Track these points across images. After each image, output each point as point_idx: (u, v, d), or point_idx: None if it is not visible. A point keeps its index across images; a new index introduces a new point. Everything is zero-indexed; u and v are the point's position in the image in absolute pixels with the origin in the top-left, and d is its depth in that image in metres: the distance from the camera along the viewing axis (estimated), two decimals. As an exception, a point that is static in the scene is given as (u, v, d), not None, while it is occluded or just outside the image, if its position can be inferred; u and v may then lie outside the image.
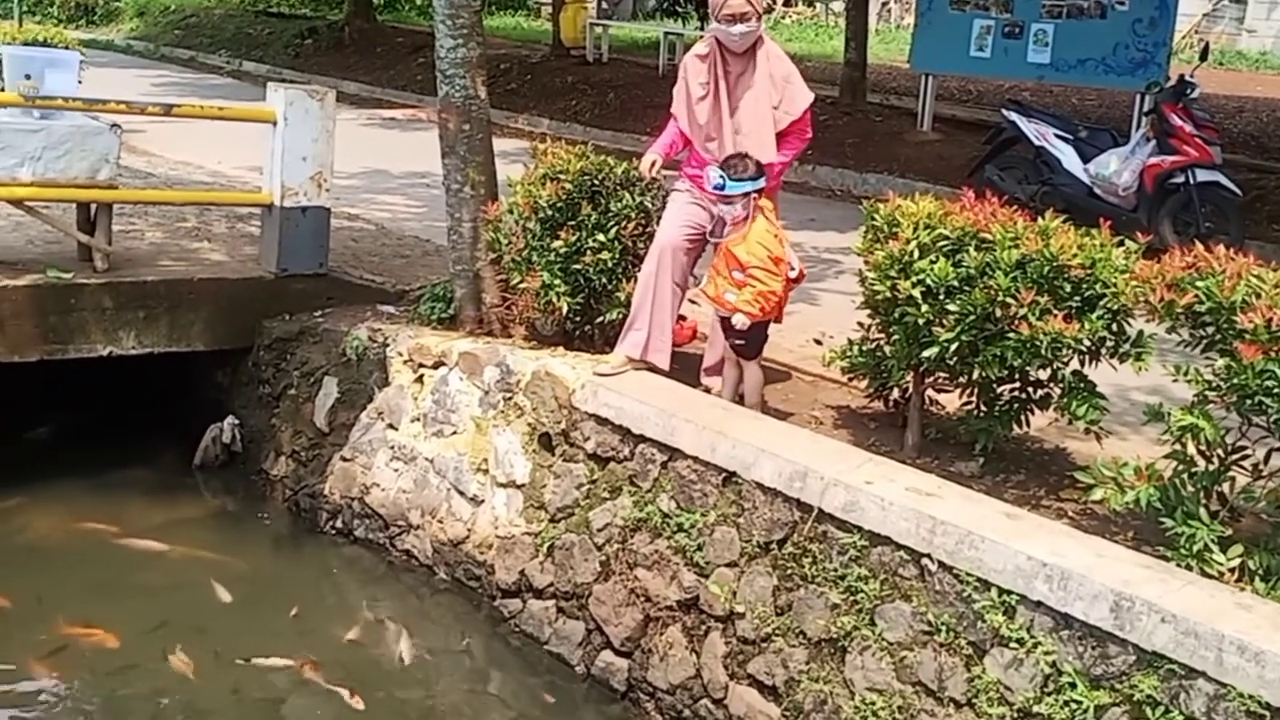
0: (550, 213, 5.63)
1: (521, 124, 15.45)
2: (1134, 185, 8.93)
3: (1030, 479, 4.75)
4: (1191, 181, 8.73)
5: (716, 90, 5.23)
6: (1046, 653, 3.73)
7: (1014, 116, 9.73)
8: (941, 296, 4.46)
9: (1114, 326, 4.39)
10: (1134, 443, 4.93)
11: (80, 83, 9.78)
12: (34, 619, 5.28)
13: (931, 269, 4.46)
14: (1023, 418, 4.79)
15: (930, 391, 5.06)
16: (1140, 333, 4.42)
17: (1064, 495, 4.58)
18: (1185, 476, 3.99)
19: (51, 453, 6.83)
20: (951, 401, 5.12)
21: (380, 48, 20.46)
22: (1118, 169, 8.99)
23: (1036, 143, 9.49)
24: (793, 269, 5.06)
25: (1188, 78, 9.04)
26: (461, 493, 5.70)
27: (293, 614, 5.47)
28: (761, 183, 4.97)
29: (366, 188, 10.50)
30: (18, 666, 4.97)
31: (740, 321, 4.97)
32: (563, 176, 5.64)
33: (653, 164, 5.46)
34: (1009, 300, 4.28)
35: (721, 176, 4.92)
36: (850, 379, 5.35)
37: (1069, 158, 9.32)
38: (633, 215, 5.61)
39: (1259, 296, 3.68)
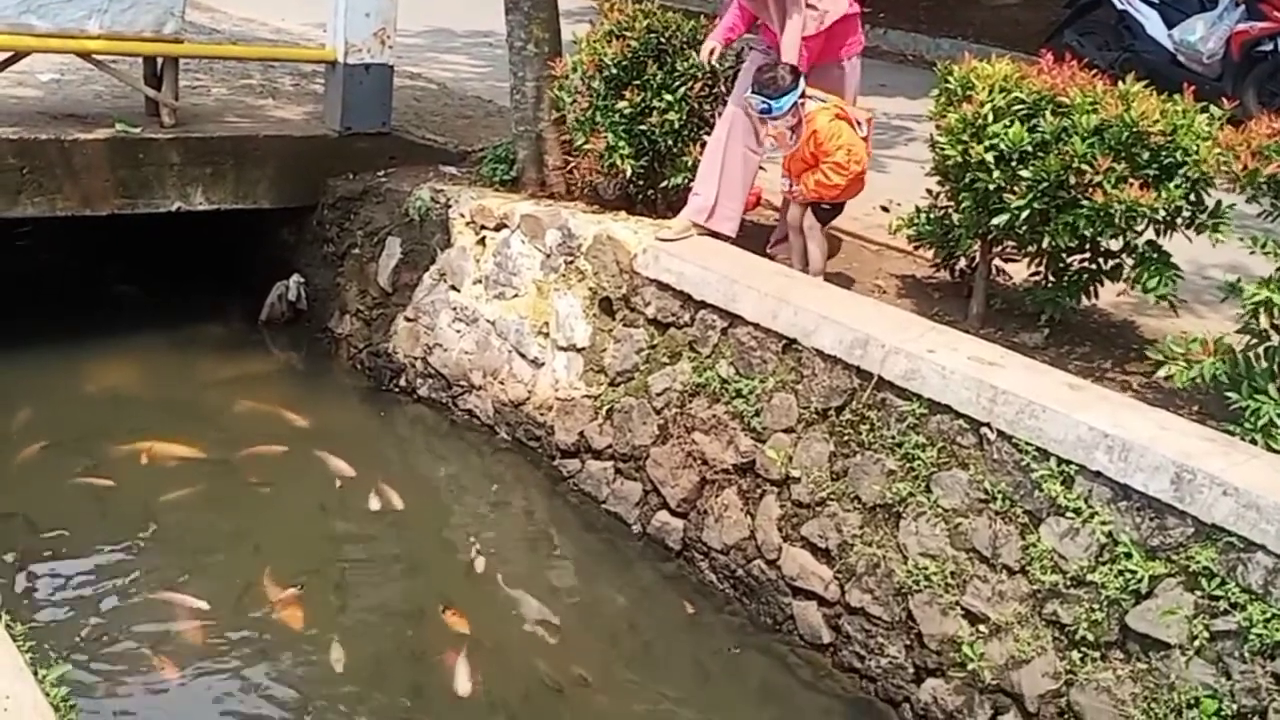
0: (615, 72, 5.53)
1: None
2: (1220, 53, 8.57)
3: (1095, 351, 4.69)
4: (1280, 49, 8.37)
5: None
6: (1103, 523, 3.72)
7: (1097, -22, 9.34)
8: (1014, 162, 4.36)
9: (1192, 196, 4.27)
10: (1209, 320, 4.83)
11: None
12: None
13: (1005, 133, 4.34)
14: (1092, 289, 4.70)
15: (997, 261, 4.99)
16: (1219, 203, 4.29)
17: (1130, 369, 4.53)
18: (1259, 352, 3.92)
19: (126, 307, 6.97)
20: (1019, 272, 5.04)
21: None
22: (1204, 35, 8.62)
23: (1119, 6, 9.12)
24: (860, 125, 4.98)
25: (1284, -62, 8.59)
26: (522, 355, 5.75)
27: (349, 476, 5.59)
28: (802, 85, 4.88)
29: (429, 46, 10.37)
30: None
31: (799, 194, 4.97)
32: (629, 34, 5.52)
33: (712, 51, 5.34)
34: (1085, 167, 4.17)
35: (764, 102, 4.85)
36: (916, 248, 5.27)
37: (1153, 23, 8.95)
38: (700, 76, 5.49)
39: (1346, 166, 3.55)
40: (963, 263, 5.13)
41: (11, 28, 5.90)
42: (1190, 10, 8.97)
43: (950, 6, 12.82)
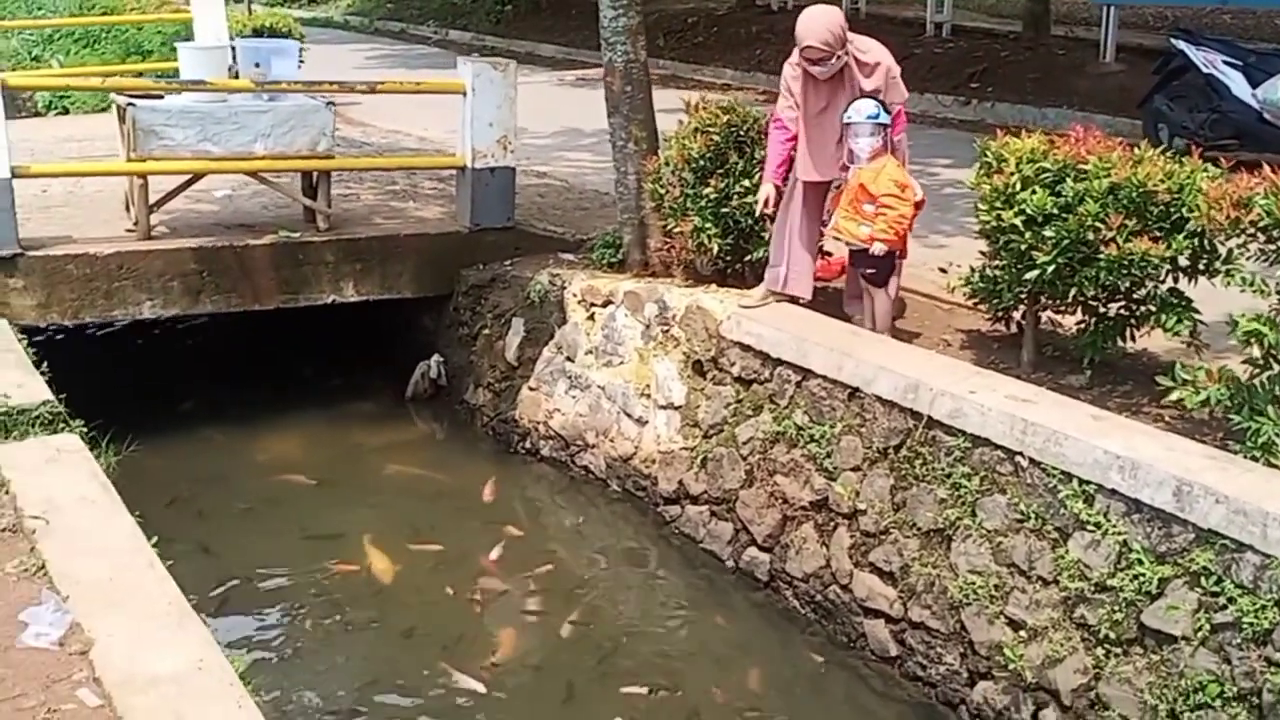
0: (701, 163, 6.29)
1: (707, 76, 16.00)
2: (1302, 109, 8.88)
3: (1136, 389, 5.15)
4: (1361, 103, 8.63)
5: (811, 102, 5.80)
6: (1119, 534, 4.22)
7: (1182, 44, 9.73)
8: (1040, 224, 4.92)
9: (1204, 245, 4.76)
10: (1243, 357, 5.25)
11: (302, 64, 10.95)
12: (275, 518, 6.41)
13: (1031, 199, 4.92)
14: (1128, 332, 5.19)
15: (1050, 313, 5.51)
16: (1230, 251, 4.77)
17: (1165, 404, 4.96)
18: (1263, 379, 4.37)
19: (291, 389, 7.95)
20: (1071, 323, 5.54)
21: (574, 9, 21.31)
22: (1285, 93, 8.95)
23: (1205, 70, 9.48)
24: (916, 194, 5.59)
25: (1363, -4, 8.90)
26: (629, 415, 6.48)
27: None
28: (888, 119, 5.57)
29: (557, 146, 11.30)
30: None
31: (878, 249, 5.53)
32: (711, 129, 6.28)
33: (767, 200, 5.91)
34: (1099, 225, 4.72)
35: (877, 106, 5.56)
36: (975, 305, 5.82)
37: (1237, 84, 9.29)
38: (775, 162, 6.20)
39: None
40: (1017, 315, 5.66)
41: (193, 154, 6.99)
42: (1273, 70, 9.27)
43: (1057, 77, 13.23)
